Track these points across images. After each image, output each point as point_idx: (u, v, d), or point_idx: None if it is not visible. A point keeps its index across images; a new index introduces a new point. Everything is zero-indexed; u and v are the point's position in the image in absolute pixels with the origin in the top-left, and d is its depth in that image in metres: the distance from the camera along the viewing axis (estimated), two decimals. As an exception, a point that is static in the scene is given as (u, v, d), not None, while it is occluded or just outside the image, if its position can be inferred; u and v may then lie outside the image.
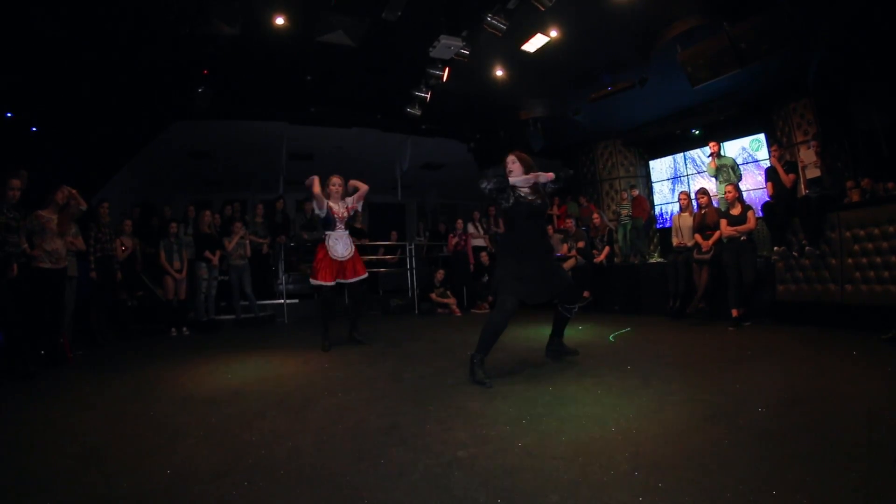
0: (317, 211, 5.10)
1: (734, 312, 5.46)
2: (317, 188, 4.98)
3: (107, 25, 6.19)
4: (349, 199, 5.28)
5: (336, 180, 5.23)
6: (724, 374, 3.33)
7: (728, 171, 7.04)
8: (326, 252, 5.11)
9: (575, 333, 5.67)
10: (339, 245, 5.16)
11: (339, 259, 5.12)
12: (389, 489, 1.91)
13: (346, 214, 5.21)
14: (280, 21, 6.44)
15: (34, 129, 7.98)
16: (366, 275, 5.29)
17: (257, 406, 3.13)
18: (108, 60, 6.90)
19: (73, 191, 5.19)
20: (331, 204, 5.11)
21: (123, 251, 6.69)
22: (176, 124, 8.92)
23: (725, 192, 5.96)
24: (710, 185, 7.42)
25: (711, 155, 7.20)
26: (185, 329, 6.93)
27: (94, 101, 7.72)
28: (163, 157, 10.18)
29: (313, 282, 5.15)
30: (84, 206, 5.36)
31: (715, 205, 6.56)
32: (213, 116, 8.62)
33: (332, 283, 5.10)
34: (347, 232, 5.28)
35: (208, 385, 3.76)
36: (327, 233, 5.16)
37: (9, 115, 7.52)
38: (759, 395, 2.79)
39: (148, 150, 9.67)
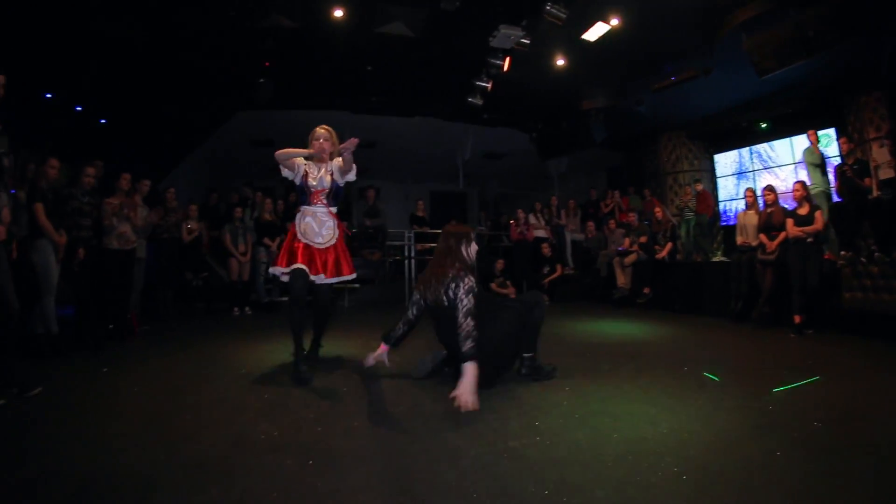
0: (285, 173, 3.74)
1: (797, 319, 5.14)
2: (285, 154, 3.63)
3: (171, 21, 6.49)
4: (335, 165, 3.72)
5: (320, 132, 3.76)
6: (781, 383, 3.15)
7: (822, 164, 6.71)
8: (295, 233, 3.68)
9: (630, 330, 5.56)
10: (313, 226, 3.68)
11: (312, 245, 3.62)
12: (440, 472, 1.95)
13: (327, 186, 3.68)
14: (339, 13, 6.56)
15: (103, 121, 8.49)
16: (350, 275, 3.79)
17: (316, 384, 3.25)
18: (173, 56, 7.24)
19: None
20: (307, 167, 3.67)
21: (189, 234, 7.05)
22: (239, 114, 9.30)
23: (794, 190, 5.63)
24: (776, 181, 7.02)
25: (812, 142, 6.84)
26: (247, 309, 7.23)
27: (162, 94, 8.14)
28: (227, 146, 10.63)
29: (271, 271, 3.84)
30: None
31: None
32: (276, 107, 8.90)
33: (299, 267, 3.50)
34: (332, 210, 3.75)
35: (268, 362, 3.91)
36: (301, 208, 3.74)
37: (78, 108, 8.04)
38: (815, 409, 2.64)
39: (213, 140, 10.14)
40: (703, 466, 1.95)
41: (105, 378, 3.52)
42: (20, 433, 2.47)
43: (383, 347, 3.43)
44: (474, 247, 3.26)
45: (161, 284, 6.51)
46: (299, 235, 3.63)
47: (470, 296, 2.93)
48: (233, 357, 4.17)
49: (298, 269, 3.49)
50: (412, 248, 9.84)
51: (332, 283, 3.70)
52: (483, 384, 2.91)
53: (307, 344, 3.82)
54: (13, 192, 3.60)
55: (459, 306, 2.90)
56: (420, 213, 10.25)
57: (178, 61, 7.42)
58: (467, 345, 2.79)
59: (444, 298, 3.02)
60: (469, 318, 2.86)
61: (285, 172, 3.70)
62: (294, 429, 2.46)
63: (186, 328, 5.91)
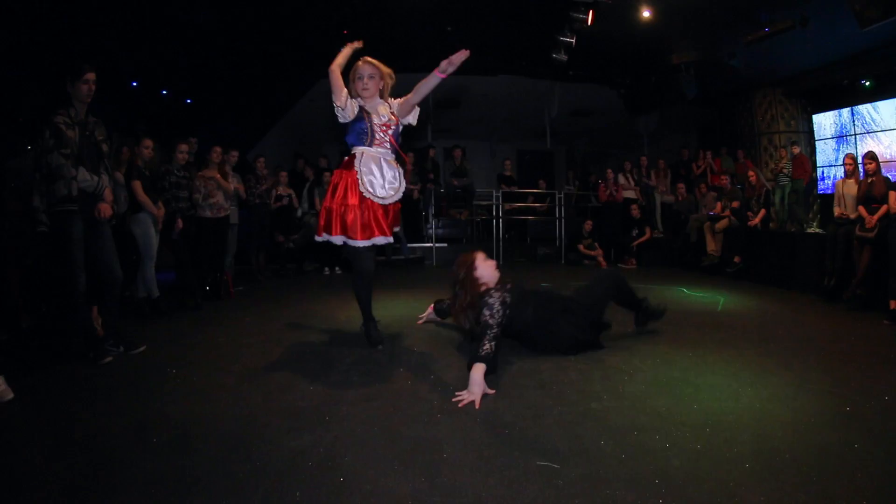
0: (338, 109, 3.09)
1: (892, 304, 4.59)
2: (336, 73, 3.05)
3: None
4: (395, 104, 3.22)
5: (365, 68, 3.12)
6: (869, 372, 2.97)
7: None
8: (347, 183, 3.06)
9: (718, 299, 5.38)
10: (377, 173, 3.08)
11: (374, 200, 3.07)
12: (524, 428, 2.08)
13: (390, 126, 3.15)
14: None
15: (188, 101, 9.06)
16: (390, 237, 3.18)
17: (405, 342, 3.44)
18: (252, 32, 7.57)
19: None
20: (364, 106, 3.11)
21: (277, 202, 7.42)
22: (322, 82, 9.55)
23: None
24: (879, 147, 6.29)
25: None
26: (337, 269, 7.59)
27: (244, 69, 8.54)
28: (311, 114, 10.99)
29: (329, 237, 3.15)
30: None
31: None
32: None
33: (367, 243, 3.08)
34: (394, 157, 3.21)
35: (359, 320, 4.04)
36: (359, 148, 3.12)
37: (164, 92, 8.59)
38: None
39: (297, 108, 10.52)
40: (777, 448, 1.94)
41: (203, 336, 3.81)
42: (127, 386, 2.72)
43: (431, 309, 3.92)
44: (481, 267, 3.13)
45: (253, 248, 6.99)
46: (362, 188, 3.01)
47: (499, 306, 2.82)
48: (323, 314, 4.44)
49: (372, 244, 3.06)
50: (500, 207, 9.93)
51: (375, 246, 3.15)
52: (572, 352, 3.10)
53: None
54: None
55: (490, 312, 2.79)
56: (508, 173, 10.32)
57: (257, 36, 7.73)
58: (483, 347, 2.59)
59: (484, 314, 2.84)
60: (495, 328, 2.73)
61: (342, 116, 3.07)
62: (384, 382, 2.66)
63: (279, 288, 6.27)
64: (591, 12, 7.24)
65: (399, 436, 2.03)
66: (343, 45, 3.28)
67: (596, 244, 8.84)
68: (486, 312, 2.79)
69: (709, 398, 2.44)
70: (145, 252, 4.53)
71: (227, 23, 7.14)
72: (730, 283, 6.68)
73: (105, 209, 3.27)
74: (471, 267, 3.13)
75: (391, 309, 4.59)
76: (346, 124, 3.13)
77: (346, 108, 3.04)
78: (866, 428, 2.16)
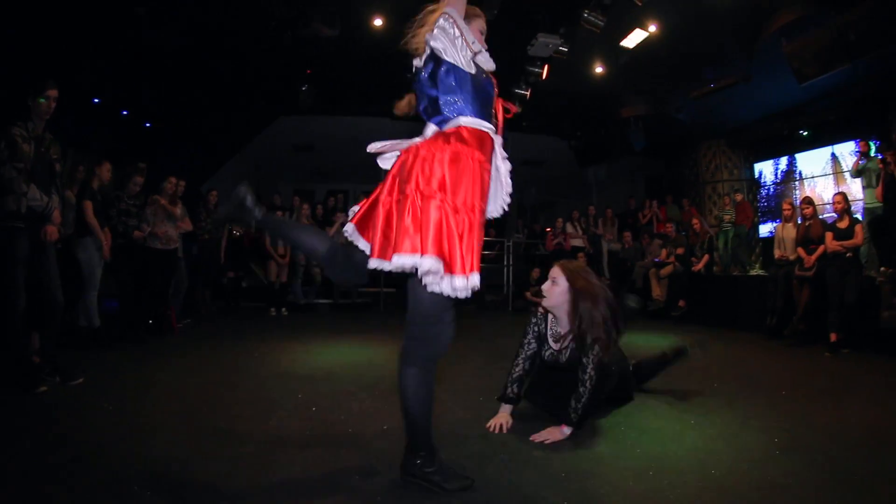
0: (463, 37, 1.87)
1: (832, 337, 4.96)
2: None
3: (215, 30, 6.80)
4: None
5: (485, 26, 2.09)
6: (812, 404, 3.10)
7: (871, 176, 6.48)
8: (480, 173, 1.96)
9: (663, 343, 5.49)
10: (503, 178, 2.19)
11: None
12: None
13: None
14: (378, 22, 6.74)
15: (147, 124, 8.95)
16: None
17: (349, 387, 3.34)
18: (217, 62, 7.58)
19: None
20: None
21: (235, 234, 7.30)
22: (281, 119, 9.57)
23: (834, 202, 5.47)
24: (815, 192, 6.79)
25: (860, 154, 6.70)
26: (283, 310, 7.44)
27: (206, 99, 8.51)
28: (269, 150, 10.95)
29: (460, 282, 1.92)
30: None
31: (859, 212, 5.97)
32: (317, 112, 9.14)
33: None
34: None
35: (303, 363, 4.03)
36: (488, 126, 2.08)
37: (124, 112, 8.50)
38: (844, 432, 2.57)
39: (255, 144, 10.47)
40: (723, 485, 1.96)
41: (143, 371, 3.67)
42: (60, 419, 2.60)
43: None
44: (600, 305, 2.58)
45: (200, 283, 6.79)
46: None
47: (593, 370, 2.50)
48: (268, 356, 4.31)
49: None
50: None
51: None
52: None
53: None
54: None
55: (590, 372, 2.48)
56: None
57: (222, 68, 7.74)
58: (580, 411, 2.45)
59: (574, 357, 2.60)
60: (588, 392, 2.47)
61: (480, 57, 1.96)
62: (326, 429, 2.56)
63: (224, 326, 6.10)
64: (546, 67, 7.56)
65: (337, 485, 1.95)
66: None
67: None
68: (583, 372, 2.48)
69: (652, 441, 2.44)
70: (88, 279, 4.36)
71: (194, 50, 7.11)
72: (675, 326, 6.87)
73: (52, 231, 3.16)
74: (597, 302, 2.56)
75: (335, 353, 4.52)
76: (456, 79, 1.89)
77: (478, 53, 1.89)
78: (811, 460, 2.22)
